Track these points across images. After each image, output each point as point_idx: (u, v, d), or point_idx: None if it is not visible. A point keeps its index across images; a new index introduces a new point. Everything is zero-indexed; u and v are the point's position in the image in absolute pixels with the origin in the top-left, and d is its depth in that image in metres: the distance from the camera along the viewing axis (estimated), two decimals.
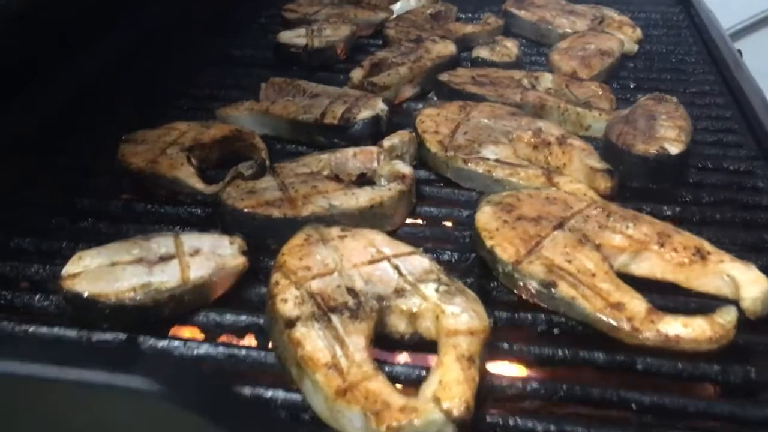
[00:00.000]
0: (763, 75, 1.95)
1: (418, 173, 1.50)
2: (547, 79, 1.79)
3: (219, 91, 1.87)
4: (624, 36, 2.07)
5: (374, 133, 1.57)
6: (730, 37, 2.67)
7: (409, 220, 1.37)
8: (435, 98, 1.79)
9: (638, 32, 2.13)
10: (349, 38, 2.02)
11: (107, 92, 1.72)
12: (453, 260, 1.24)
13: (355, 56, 2.06)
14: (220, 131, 1.50)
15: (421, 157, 1.52)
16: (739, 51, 2.05)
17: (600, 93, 1.74)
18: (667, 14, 2.38)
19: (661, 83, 1.91)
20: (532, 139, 1.51)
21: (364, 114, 1.56)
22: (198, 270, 1.09)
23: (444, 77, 1.76)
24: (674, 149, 1.43)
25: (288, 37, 1.99)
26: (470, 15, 2.38)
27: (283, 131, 1.62)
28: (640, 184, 1.44)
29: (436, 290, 1.04)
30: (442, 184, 1.49)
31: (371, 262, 1.09)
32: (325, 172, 1.37)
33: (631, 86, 1.91)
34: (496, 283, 1.18)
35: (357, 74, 1.78)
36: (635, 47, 2.06)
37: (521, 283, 1.14)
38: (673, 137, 1.46)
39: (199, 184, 1.36)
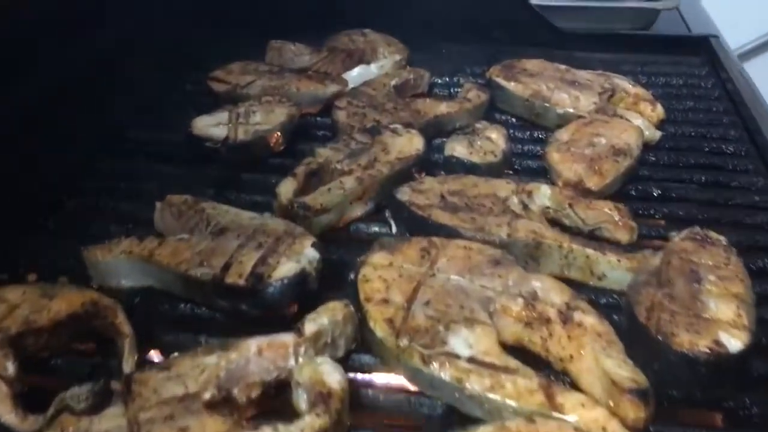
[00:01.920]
0: None
1: (359, 359, 1.04)
2: (543, 195, 1.32)
3: (106, 201, 1.41)
4: (642, 119, 1.60)
5: (297, 294, 1.10)
6: (739, 58, 2.23)
7: None
8: (391, 222, 1.32)
9: (659, 110, 1.66)
10: (287, 124, 1.55)
11: None
12: None
13: (297, 144, 1.59)
14: (66, 305, 1.02)
15: (364, 338, 1.06)
16: None
17: (616, 218, 1.27)
18: (692, 78, 1.91)
19: (694, 190, 1.45)
20: (524, 312, 1.04)
21: (284, 270, 1.09)
22: None
23: (404, 195, 1.29)
24: (735, 343, 0.96)
25: (204, 126, 1.52)
26: (446, 80, 1.90)
27: (174, 286, 1.15)
28: (682, 394, 0.98)
29: None
30: (392, 384, 1.02)
31: None
32: (207, 395, 0.90)
33: (655, 195, 1.44)
34: None
35: (286, 190, 1.31)
36: (657, 134, 1.59)
37: None
38: (730, 318, 0.99)
39: (12, 416, 0.88)
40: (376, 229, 1.34)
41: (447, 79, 1.91)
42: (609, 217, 1.27)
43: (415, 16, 2.04)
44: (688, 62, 1.98)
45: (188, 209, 1.26)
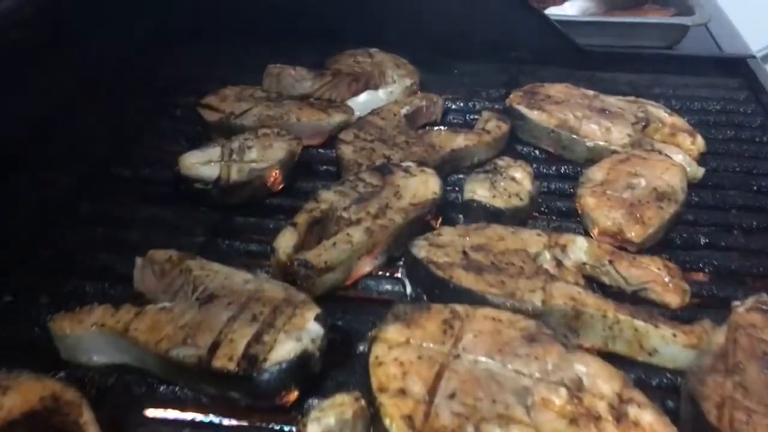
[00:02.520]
0: None
1: None
2: (579, 249, 1.16)
3: (83, 253, 1.24)
4: (682, 153, 1.43)
5: (297, 380, 0.94)
6: (761, 59, 2.06)
7: None
8: (406, 281, 1.15)
9: (699, 142, 1.50)
10: (287, 161, 1.38)
11: None
12: None
13: (298, 181, 1.43)
14: (21, 401, 0.86)
15: None
16: None
17: (665, 279, 1.11)
18: (730, 103, 1.74)
19: (745, 237, 1.28)
20: (568, 407, 0.87)
21: (282, 351, 0.93)
22: None
23: (421, 251, 1.12)
24: None
25: (194, 164, 1.35)
26: (461, 105, 1.73)
27: (153, 366, 0.98)
28: None
29: None
30: None
31: None
32: None
33: (702, 243, 1.27)
34: None
35: (285, 244, 1.14)
36: (700, 171, 1.42)
37: None
38: None
39: None
40: (389, 287, 1.18)
41: (462, 104, 1.74)
42: (656, 276, 1.11)
43: (425, 33, 1.88)
44: (725, 85, 1.81)
45: (172, 268, 1.09)
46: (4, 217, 1.28)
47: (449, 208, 1.33)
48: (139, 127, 1.65)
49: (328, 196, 1.25)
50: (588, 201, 1.27)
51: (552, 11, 2.10)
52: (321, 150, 1.55)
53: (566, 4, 2.13)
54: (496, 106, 1.71)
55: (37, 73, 1.43)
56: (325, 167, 1.50)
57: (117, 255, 1.22)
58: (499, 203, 1.27)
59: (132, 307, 1.02)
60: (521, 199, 1.29)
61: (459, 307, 1.00)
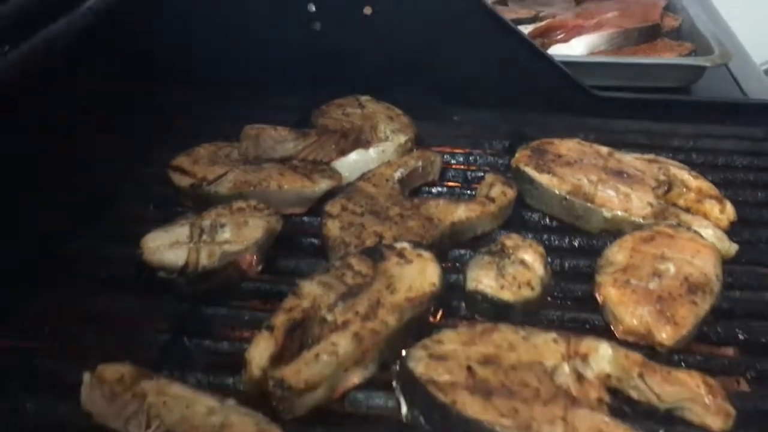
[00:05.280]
0: None
1: None
2: (603, 358, 0.99)
3: (24, 359, 1.06)
4: (711, 226, 1.27)
5: None
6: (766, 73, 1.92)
7: None
8: (401, 399, 0.98)
9: (729, 210, 1.33)
10: (265, 241, 1.21)
11: None
12: None
13: (277, 259, 1.26)
14: None
15: None
16: None
17: (705, 399, 0.94)
18: (758, 157, 1.57)
19: None
20: None
21: None
22: None
23: (419, 365, 0.96)
24: None
25: (158, 247, 1.18)
26: (460, 159, 1.57)
27: None
28: None
29: None
30: None
31: None
32: None
33: (741, 339, 1.11)
34: None
35: (259, 356, 0.97)
36: (733, 248, 1.26)
37: None
38: None
39: None
40: (380, 402, 1.01)
41: (462, 158, 1.58)
42: (696, 395, 0.94)
43: (422, 78, 1.72)
44: (750, 135, 1.65)
45: (124, 391, 0.92)
46: None
47: (450, 293, 1.16)
48: (101, 192, 1.47)
49: (311, 290, 1.08)
50: (610, 293, 1.10)
51: (557, 50, 1.95)
52: (305, 218, 1.38)
53: (573, 41, 1.97)
54: (500, 162, 1.55)
55: None
56: (309, 240, 1.33)
57: (63, 362, 1.05)
58: (507, 296, 1.10)
59: None
60: (532, 289, 1.12)
61: None
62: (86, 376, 0.97)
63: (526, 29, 1.95)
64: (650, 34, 2.01)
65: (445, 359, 0.97)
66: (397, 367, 1.00)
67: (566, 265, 1.27)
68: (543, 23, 2.03)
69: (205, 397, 0.92)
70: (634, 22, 1.99)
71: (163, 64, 1.69)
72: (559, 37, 1.96)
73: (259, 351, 0.98)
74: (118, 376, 0.94)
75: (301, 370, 0.95)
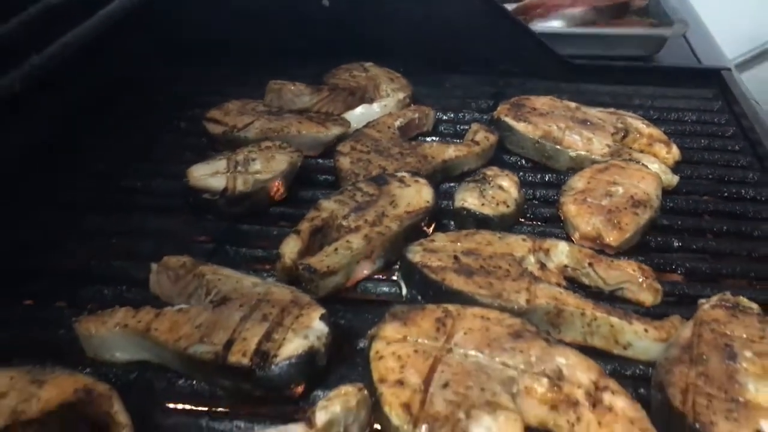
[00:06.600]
0: None
1: None
2: (561, 253, 1.26)
3: (97, 261, 1.32)
4: (658, 162, 1.54)
5: (305, 374, 1.03)
6: (737, 68, 2.17)
7: None
8: (402, 283, 1.25)
9: (675, 152, 1.60)
10: (289, 172, 1.47)
11: None
12: None
13: (298, 190, 1.52)
14: (57, 393, 0.94)
15: (378, 421, 0.98)
16: None
17: (639, 279, 1.21)
18: (705, 113, 1.85)
19: (716, 241, 1.38)
20: (549, 394, 0.97)
21: (291, 348, 1.02)
22: None
23: (416, 256, 1.22)
24: None
25: (201, 176, 1.44)
26: (451, 116, 1.83)
27: (172, 363, 1.08)
28: None
29: None
30: None
31: None
32: None
33: (675, 246, 1.37)
34: None
35: (290, 250, 1.23)
36: (674, 179, 1.52)
37: None
38: None
39: None
40: (386, 289, 1.27)
41: (452, 115, 1.84)
42: (632, 277, 1.21)
43: (418, 47, 1.98)
44: (700, 96, 1.92)
45: (186, 273, 1.18)
46: (18, 228, 1.37)
47: (441, 215, 1.42)
48: (144, 141, 1.73)
49: (329, 205, 1.34)
50: (570, 208, 1.37)
51: (537, 25, 2.20)
52: (320, 160, 1.64)
53: (551, 17, 2.23)
54: (485, 117, 1.81)
55: (43, 91, 1.52)
56: (323, 177, 1.59)
57: (131, 262, 1.31)
58: (487, 210, 1.37)
59: (151, 309, 1.11)
60: (508, 207, 1.39)
61: (451, 307, 1.10)
62: (154, 266, 1.23)
63: (510, 7, 2.21)
64: (620, 12, 2.27)
65: (436, 251, 1.23)
66: (399, 262, 1.26)
67: (537, 194, 1.53)
68: (525, 1, 2.29)
69: (250, 275, 1.18)
70: (605, 1, 2.25)
71: (189, 44, 1.97)
72: (538, 12, 2.22)
73: (290, 246, 1.24)
74: (181, 263, 1.21)
75: (324, 259, 1.21)
